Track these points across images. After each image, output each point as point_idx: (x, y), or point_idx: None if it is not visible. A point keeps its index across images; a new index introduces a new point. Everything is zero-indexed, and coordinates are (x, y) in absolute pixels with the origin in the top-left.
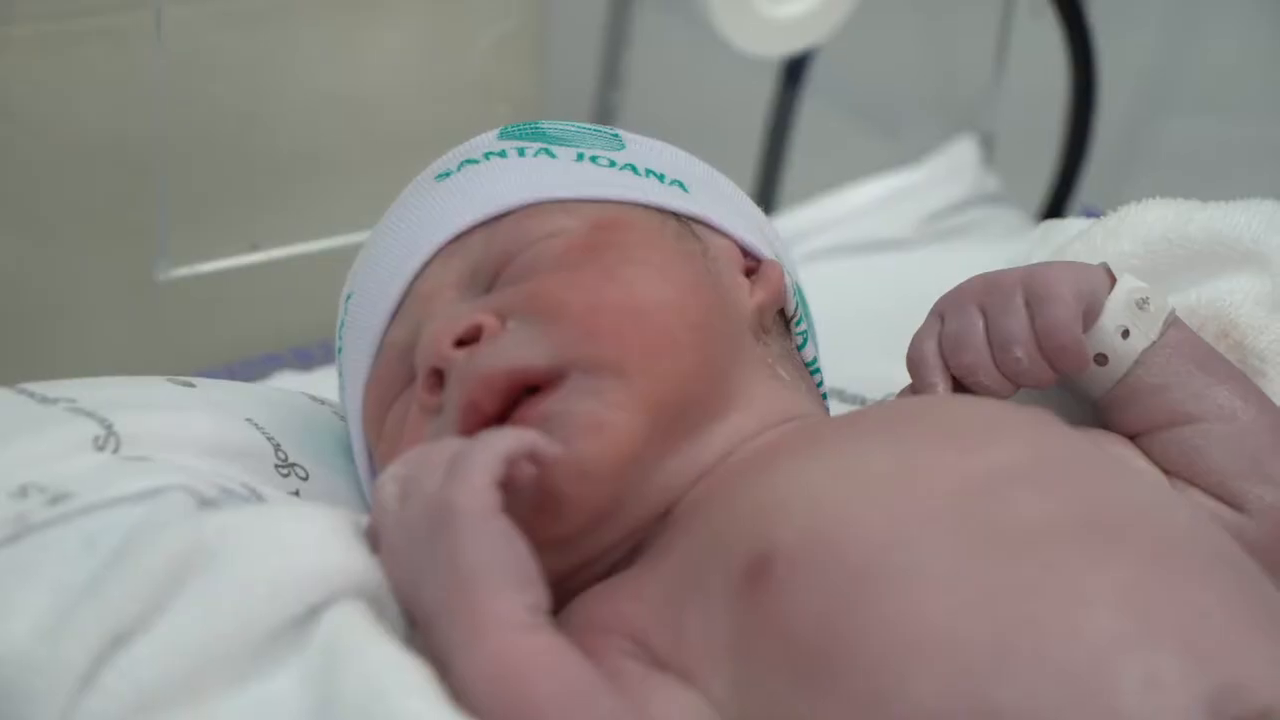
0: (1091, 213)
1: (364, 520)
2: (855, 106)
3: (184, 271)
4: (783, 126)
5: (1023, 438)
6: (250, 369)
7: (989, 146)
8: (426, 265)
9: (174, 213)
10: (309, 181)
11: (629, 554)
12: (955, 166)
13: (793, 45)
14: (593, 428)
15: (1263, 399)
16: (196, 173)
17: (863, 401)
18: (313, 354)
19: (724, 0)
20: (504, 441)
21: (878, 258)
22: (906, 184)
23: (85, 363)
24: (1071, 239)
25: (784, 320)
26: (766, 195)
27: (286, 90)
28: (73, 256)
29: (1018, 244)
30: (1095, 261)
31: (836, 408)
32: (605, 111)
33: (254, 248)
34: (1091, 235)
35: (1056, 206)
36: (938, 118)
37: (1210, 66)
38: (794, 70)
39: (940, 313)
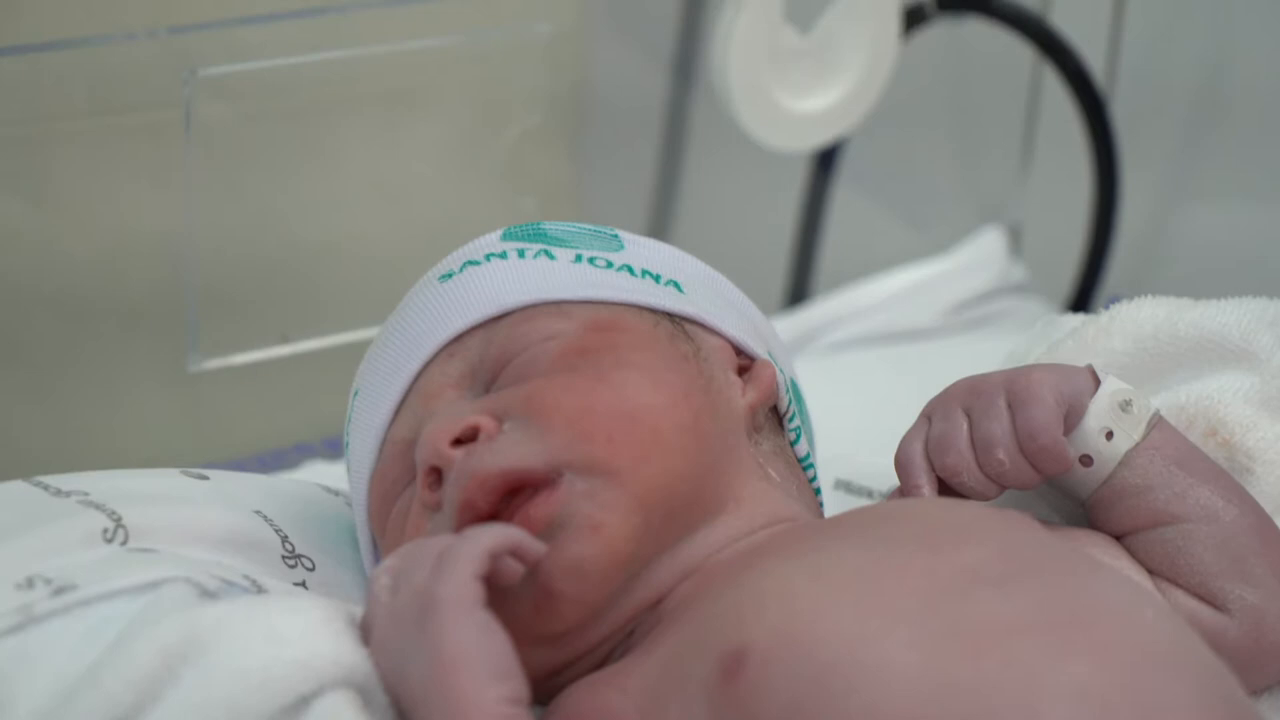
0: (1116, 302)
1: (358, 611)
2: (885, 196)
3: (216, 363)
4: (814, 216)
5: (994, 539)
6: (281, 458)
7: (1016, 237)
8: (427, 365)
9: (206, 304)
10: (339, 273)
11: (616, 648)
12: (982, 257)
13: (818, 140)
14: (588, 529)
15: (1246, 499)
16: (229, 265)
17: (869, 494)
18: (342, 443)
19: (748, 97)
20: (488, 537)
21: (902, 348)
22: (933, 274)
23: (118, 450)
24: (1065, 336)
25: (777, 417)
26: (800, 284)
27: (318, 182)
28: (109, 345)
29: (1019, 338)
30: (1086, 358)
31: (844, 499)
32: (650, 205)
33: (285, 339)
34: (1084, 332)
35: (1083, 297)
36: (965, 208)
37: (1237, 156)
38: (825, 160)
39: (928, 415)
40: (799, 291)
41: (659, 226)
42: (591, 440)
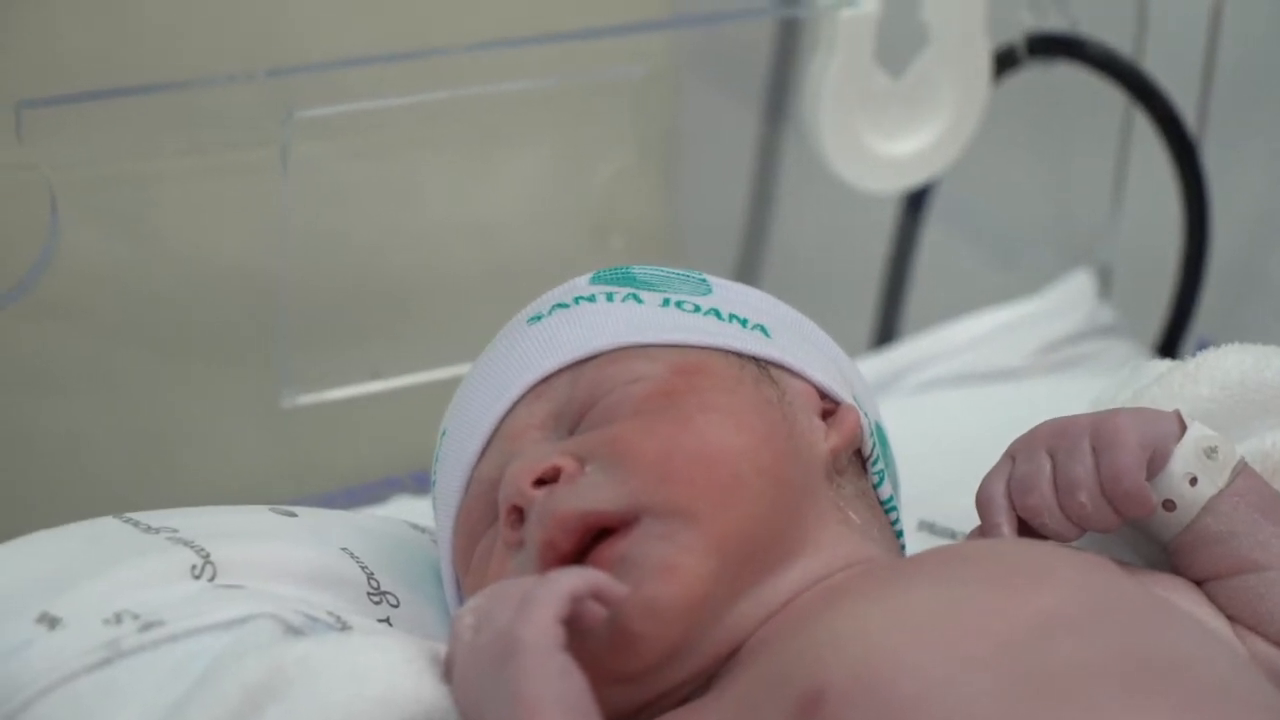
0: (1206, 345)
1: (441, 649)
2: (974, 236)
3: (308, 398)
4: (904, 256)
5: (1070, 582)
6: (369, 493)
7: (1105, 279)
8: (514, 406)
9: (298, 340)
10: (430, 310)
11: (698, 689)
12: (1071, 298)
13: (908, 181)
14: (664, 570)
15: None
16: (321, 301)
17: (953, 535)
18: (429, 479)
19: (838, 141)
20: (570, 580)
21: (990, 388)
22: (1022, 315)
23: (210, 484)
24: (1151, 382)
25: (861, 460)
26: (888, 324)
27: (409, 220)
28: (203, 380)
29: (1105, 382)
30: (1173, 405)
31: (927, 541)
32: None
33: (375, 375)
34: (1170, 379)
35: (1172, 339)
36: (1055, 249)
37: None
38: (915, 201)
39: (1012, 455)
40: (887, 332)
41: (749, 267)
42: (671, 483)
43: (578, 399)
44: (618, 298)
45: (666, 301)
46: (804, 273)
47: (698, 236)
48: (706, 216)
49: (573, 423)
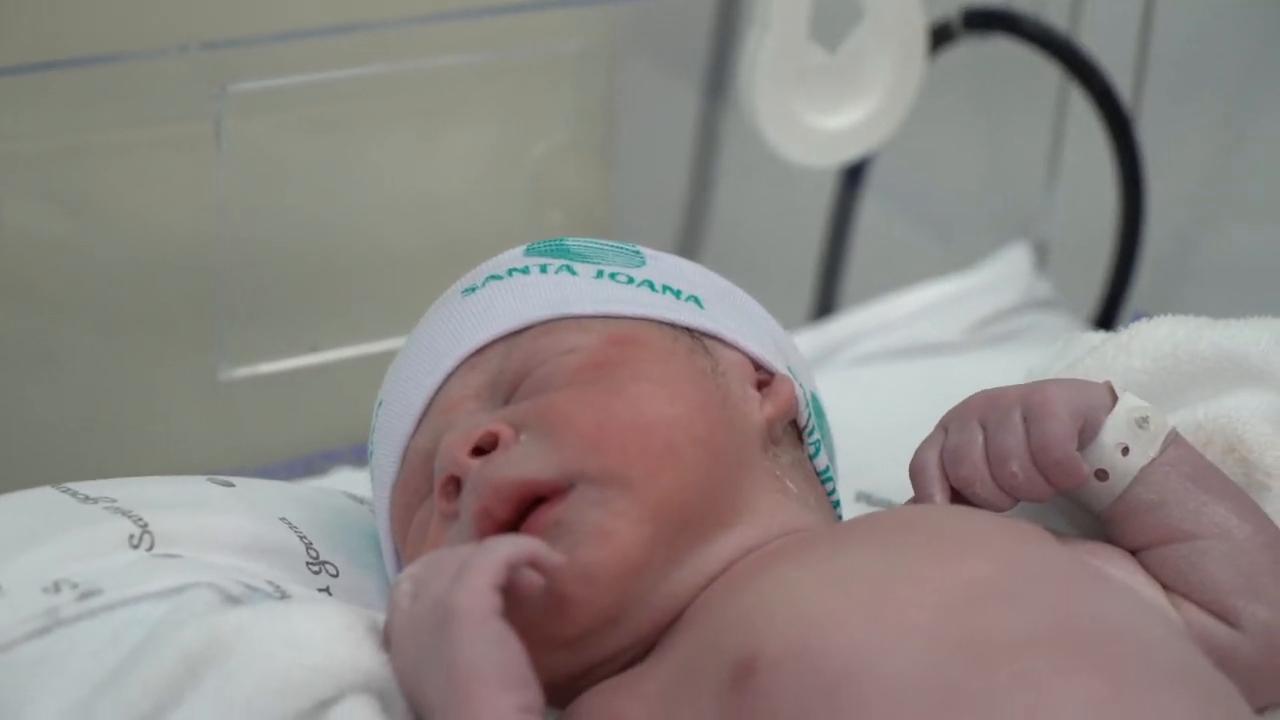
0: (1142, 319)
1: (380, 618)
2: (911, 211)
3: (245, 371)
4: (841, 230)
5: (1002, 550)
6: (309, 465)
7: (1042, 253)
8: (449, 377)
9: (236, 314)
10: (368, 284)
11: (637, 657)
12: (1008, 273)
13: (844, 156)
14: (597, 535)
15: (1260, 517)
16: (258, 275)
17: (890, 506)
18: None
19: (775, 114)
20: (506, 548)
21: (925, 362)
22: (959, 289)
23: (146, 456)
24: (1084, 354)
25: (797, 431)
26: (826, 298)
27: (347, 195)
28: (141, 353)
29: (1039, 354)
30: (1105, 376)
31: (864, 511)
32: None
33: (313, 349)
34: (1104, 351)
35: (1108, 313)
36: (991, 224)
37: (1264, 173)
38: (852, 175)
39: (945, 426)
40: (825, 305)
41: (688, 241)
42: (605, 451)
43: (511, 369)
44: (551, 269)
45: (600, 273)
46: (744, 247)
47: (637, 211)
48: (646, 192)
49: (507, 393)
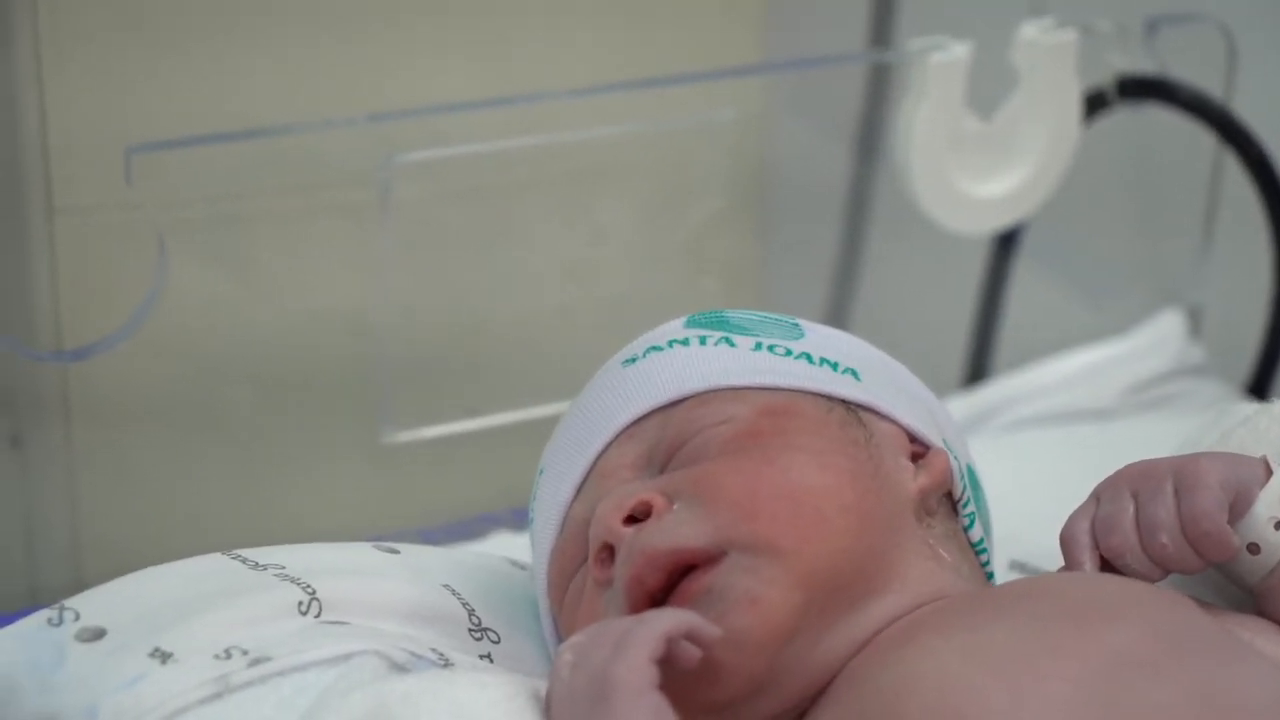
0: None
1: (542, 686)
2: (1065, 276)
3: (406, 435)
4: (994, 296)
5: (1144, 619)
6: (468, 529)
7: (1195, 319)
8: (608, 447)
9: (398, 379)
10: (526, 350)
11: None
12: (1161, 338)
13: (999, 223)
14: (749, 602)
15: None
16: (420, 341)
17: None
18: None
19: (929, 181)
20: (665, 622)
21: (1079, 427)
22: (1112, 355)
23: (312, 519)
24: (1237, 424)
25: (951, 503)
26: (978, 364)
27: (506, 262)
28: (303, 419)
29: (1193, 423)
30: (1259, 447)
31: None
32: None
33: (472, 413)
34: (1257, 421)
35: (1262, 380)
36: (1144, 290)
37: None
38: (1005, 241)
39: (1097, 495)
40: (978, 371)
41: (839, 307)
42: (756, 520)
43: (667, 439)
44: (711, 341)
45: (759, 345)
46: (895, 313)
47: (788, 277)
48: (798, 258)
49: (663, 462)
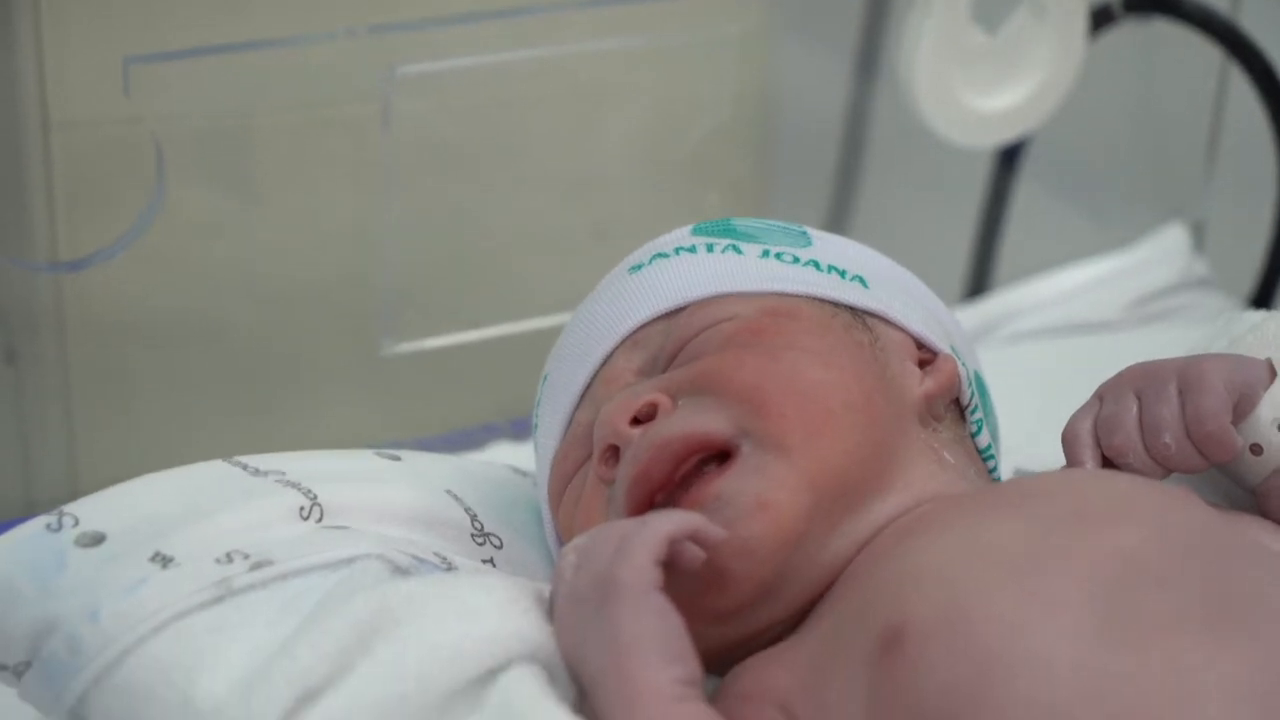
0: None
1: (545, 589)
2: (1068, 190)
3: (407, 347)
4: (996, 210)
5: (1151, 518)
6: (468, 439)
7: (1199, 232)
8: (613, 353)
9: (399, 292)
10: (527, 263)
11: (792, 626)
12: (1165, 252)
13: (1003, 136)
14: (757, 507)
15: None
16: (422, 254)
17: None
18: (528, 425)
19: (934, 95)
20: (669, 523)
21: (1082, 340)
22: (1116, 268)
23: (312, 430)
24: (1246, 331)
25: (959, 409)
26: (980, 278)
27: (508, 175)
28: (304, 329)
29: (1200, 332)
30: (1267, 353)
31: None
32: (832, 199)
33: (473, 325)
34: (1265, 328)
35: (1265, 292)
36: (1149, 203)
37: None
38: (1008, 154)
39: (1100, 395)
40: (979, 286)
41: (841, 221)
42: (765, 415)
43: (671, 344)
44: (718, 248)
45: (766, 253)
46: (896, 228)
47: (790, 192)
48: (800, 172)
49: (665, 366)
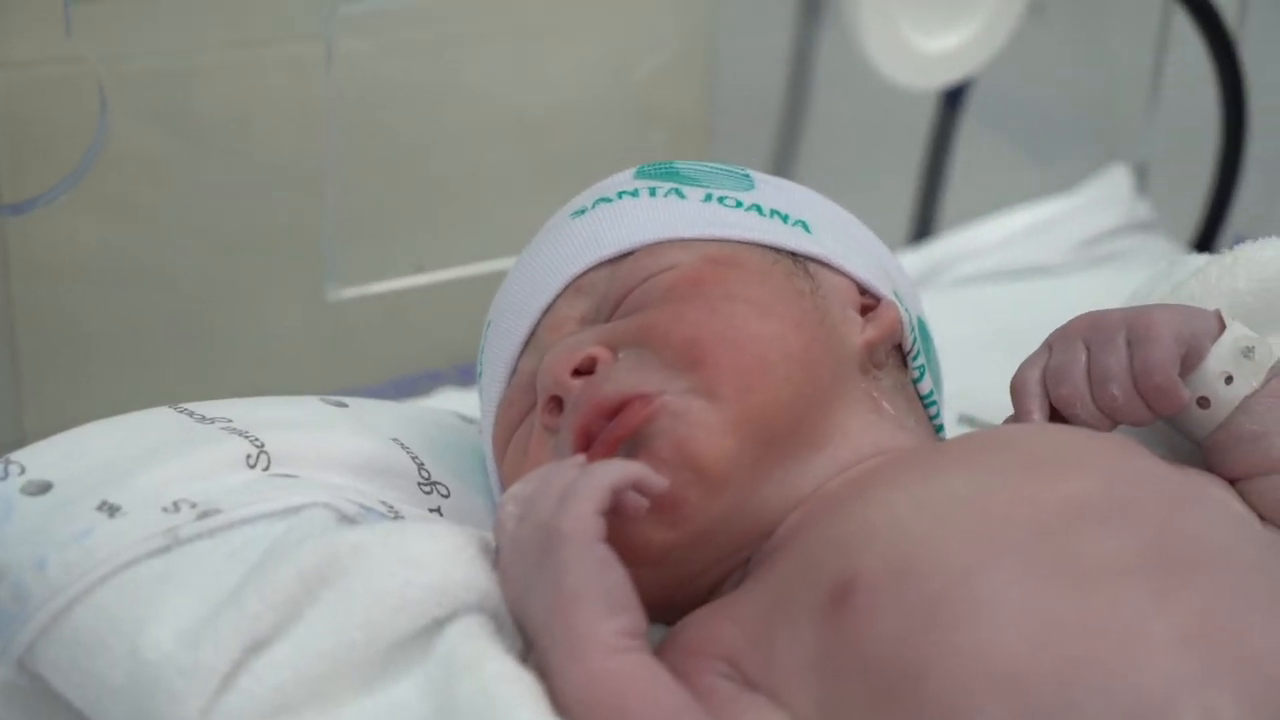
0: (1243, 241)
1: (491, 537)
2: (1011, 132)
3: (352, 292)
4: (941, 151)
5: (1099, 468)
6: (414, 385)
7: (1142, 175)
8: (556, 299)
9: (344, 234)
10: (474, 204)
11: (733, 578)
12: (1108, 194)
13: (947, 77)
14: (671, 448)
15: None
16: (366, 196)
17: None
18: (474, 371)
19: (878, 37)
20: (611, 473)
21: (1027, 283)
22: (1059, 211)
23: (258, 375)
24: (1189, 276)
25: (902, 355)
26: (924, 220)
27: (452, 115)
28: (249, 274)
29: (1143, 276)
30: (1210, 298)
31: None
32: (777, 140)
33: (419, 269)
34: (1208, 272)
35: (1208, 235)
36: (1092, 145)
37: None
38: (952, 97)
39: (1049, 345)
40: (924, 228)
41: (785, 162)
42: (699, 367)
43: (615, 290)
44: (660, 193)
45: (709, 197)
46: (841, 169)
47: (736, 132)
48: (745, 112)
49: (609, 313)
